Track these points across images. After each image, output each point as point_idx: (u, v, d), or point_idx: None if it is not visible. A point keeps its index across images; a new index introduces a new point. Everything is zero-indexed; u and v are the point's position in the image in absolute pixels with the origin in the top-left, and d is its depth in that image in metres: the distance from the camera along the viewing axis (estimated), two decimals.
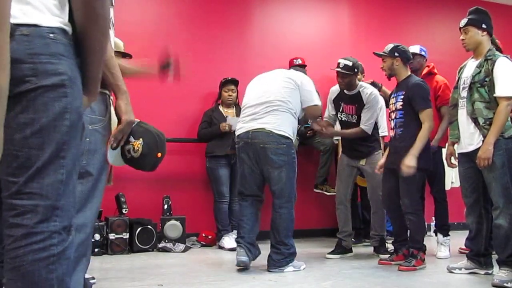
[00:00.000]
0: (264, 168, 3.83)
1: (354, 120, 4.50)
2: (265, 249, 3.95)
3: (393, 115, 4.12)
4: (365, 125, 4.41)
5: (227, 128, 5.01)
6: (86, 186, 1.82)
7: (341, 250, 4.56)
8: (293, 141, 3.94)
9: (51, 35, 1.32)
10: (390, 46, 4.15)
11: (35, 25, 1.31)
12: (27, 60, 1.28)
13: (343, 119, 4.60)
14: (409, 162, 3.87)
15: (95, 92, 1.53)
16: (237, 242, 3.90)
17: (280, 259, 3.81)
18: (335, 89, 4.68)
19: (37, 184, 1.29)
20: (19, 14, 1.30)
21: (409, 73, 4.17)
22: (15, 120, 1.27)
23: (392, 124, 4.13)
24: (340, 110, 4.59)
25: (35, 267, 1.27)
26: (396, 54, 4.09)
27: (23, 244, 1.27)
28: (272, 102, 3.84)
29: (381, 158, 4.41)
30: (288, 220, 3.82)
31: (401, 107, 4.04)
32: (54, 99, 1.30)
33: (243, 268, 3.81)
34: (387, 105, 4.39)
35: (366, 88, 4.49)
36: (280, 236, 3.79)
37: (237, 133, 3.97)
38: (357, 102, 4.46)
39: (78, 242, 1.76)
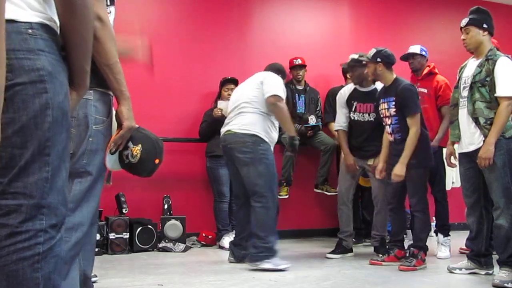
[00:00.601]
0: (237, 167, 3.99)
1: (372, 118, 4.46)
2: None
3: (388, 121, 4.12)
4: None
5: (219, 112, 4.99)
6: (84, 185, 1.81)
7: (342, 250, 4.56)
8: (269, 139, 3.98)
9: (29, 30, 1.30)
10: (373, 51, 4.15)
11: (12, 21, 1.28)
12: None
13: (356, 118, 4.54)
14: (398, 171, 3.92)
15: (83, 85, 1.49)
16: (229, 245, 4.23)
17: (255, 252, 3.85)
18: (346, 89, 4.66)
19: (21, 183, 1.27)
20: None
21: (395, 75, 4.15)
22: None
23: (389, 130, 4.13)
24: (353, 109, 4.56)
25: (19, 266, 1.25)
26: (379, 59, 4.09)
27: (7, 243, 1.25)
28: (240, 105, 4.04)
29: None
30: (262, 214, 3.86)
31: (395, 113, 4.05)
32: (34, 96, 1.27)
33: (243, 268, 3.81)
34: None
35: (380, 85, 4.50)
36: (255, 229, 3.87)
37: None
38: (375, 100, 4.40)
39: (75, 240, 1.76)
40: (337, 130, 4.77)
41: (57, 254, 1.32)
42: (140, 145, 1.94)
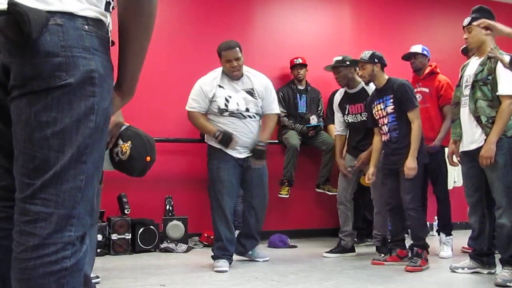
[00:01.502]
0: None
1: (364, 118, 4.49)
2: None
3: (385, 120, 4.12)
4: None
5: None
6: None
7: (340, 249, 4.57)
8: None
9: (86, 26, 1.21)
10: (368, 52, 4.17)
11: (70, 14, 1.19)
12: (60, 53, 1.17)
13: (350, 121, 4.60)
14: (411, 164, 3.90)
15: (129, 93, 1.42)
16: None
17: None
18: (338, 94, 4.75)
19: (54, 190, 1.19)
20: (53, 0, 1.18)
21: (387, 76, 4.18)
22: (36, 118, 1.17)
23: (386, 129, 4.12)
24: (346, 112, 4.60)
25: (45, 281, 1.17)
26: (376, 60, 4.12)
27: (34, 256, 1.17)
28: None
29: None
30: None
31: (392, 110, 4.05)
32: (81, 98, 1.19)
33: (245, 268, 3.81)
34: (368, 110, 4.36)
35: (370, 84, 4.51)
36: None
37: None
38: (364, 99, 4.45)
39: None
40: (335, 135, 4.88)
41: (82, 267, 1.25)
42: (129, 142, 1.92)
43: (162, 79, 5.36)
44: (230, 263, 3.94)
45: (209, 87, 4.04)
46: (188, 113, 4.11)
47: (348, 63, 4.51)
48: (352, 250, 4.62)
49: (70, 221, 1.21)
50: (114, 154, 1.93)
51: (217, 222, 3.98)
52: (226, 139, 3.94)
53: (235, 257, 4.15)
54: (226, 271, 3.80)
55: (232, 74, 4.04)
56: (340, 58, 4.57)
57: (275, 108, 4.22)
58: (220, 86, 4.04)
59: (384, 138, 4.15)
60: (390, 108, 4.06)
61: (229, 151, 3.98)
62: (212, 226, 4.06)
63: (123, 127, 1.97)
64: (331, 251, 4.57)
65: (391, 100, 4.05)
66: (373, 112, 4.21)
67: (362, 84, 4.52)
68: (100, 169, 1.32)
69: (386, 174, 4.15)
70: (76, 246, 1.23)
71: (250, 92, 4.06)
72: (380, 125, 4.18)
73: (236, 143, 3.95)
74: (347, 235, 4.59)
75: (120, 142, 1.92)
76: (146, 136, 1.98)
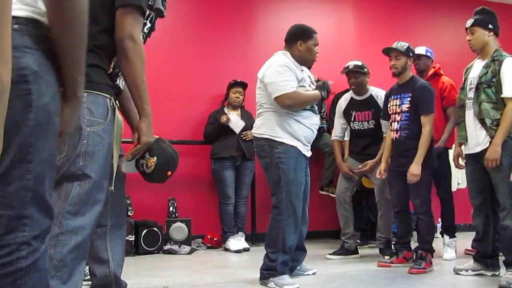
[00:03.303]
0: None
1: (372, 126, 4.48)
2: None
3: (397, 117, 4.08)
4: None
5: (224, 119, 5.03)
6: (84, 189, 1.79)
7: (343, 251, 4.56)
8: (293, 138, 3.44)
9: (15, 26, 1.18)
10: (404, 44, 4.11)
11: None
12: None
13: (356, 127, 4.59)
14: (415, 170, 3.88)
15: (74, 97, 1.35)
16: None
17: (263, 269, 3.44)
18: (343, 100, 4.70)
19: (1, 192, 1.17)
20: None
21: (411, 74, 4.16)
22: None
23: (396, 126, 4.09)
24: (352, 119, 4.58)
25: (0, 282, 1.16)
26: (411, 54, 4.10)
27: None
28: (258, 105, 3.61)
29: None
30: (272, 227, 3.40)
31: (407, 109, 4.02)
32: (15, 98, 1.15)
33: (249, 270, 3.80)
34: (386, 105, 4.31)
35: (378, 92, 4.52)
36: (265, 243, 3.48)
37: None
38: (372, 106, 4.45)
39: (75, 244, 1.75)
40: (333, 140, 4.83)
41: (41, 267, 1.23)
42: (155, 158, 2.05)
43: (164, 81, 5.37)
44: None
45: (297, 69, 3.48)
46: (287, 94, 3.35)
47: (366, 70, 4.45)
48: (355, 252, 4.61)
49: (21, 221, 1.19)
50: (139, 164, 2.07)
51: (287, 231, 3.35)
52: (327, 86, 3.54)
53: (235, 258, 4.14)
54: None
55: (314, 59, 3.62)
56: (360, 63, 4.50)
57: None
58: (302, 70, 3.57)
59: (394, 135, 4.12)
60: (405, 107, 4.03)
61: (301, 149, 3.46)
62: (271, 234, 3.41)
63: (153, 140, 2.06)
64: (334, 253, 4.56)
65: (409, 99, 4.01)
66: (388, 106, 4.18)
67: (371, 91, 4.51)
68: (52, 167, 1.28)
69: (394, 176, 4.12)
70: (33, 246, 1.20)
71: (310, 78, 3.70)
72: (391, 121, 4.15)
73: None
74: (349, 237, 4.58)
75: (147, 155, 2.05)
76: (172, 152, 2.12)
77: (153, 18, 2.14)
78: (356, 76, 4.51)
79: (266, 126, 3.46)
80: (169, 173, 2.13)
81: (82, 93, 1.39)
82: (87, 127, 1.79)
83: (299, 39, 3.55)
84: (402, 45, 4.10)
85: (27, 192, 1.19)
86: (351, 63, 4.54)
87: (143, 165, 2.07)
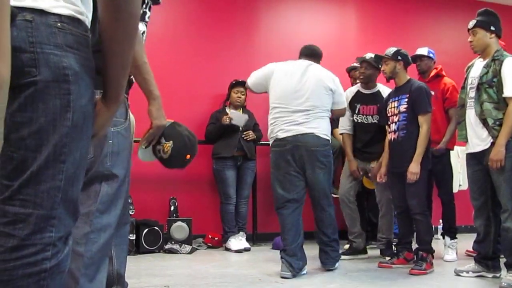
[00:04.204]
0: (309, 170, 3.80)
1: (375, 121, 4.48)
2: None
3: (395, 118, 4.10)
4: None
5: (227, 120, 5.02)
6: (113, 188, 1.82)
7: (352, 251, 4.57)
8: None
9: (59, 24, 1.17)
10: (392, 49, 4.15)
11: (41, 11, 1.16)
12: (28, 49, 1.14)
13: (359, 121, 4.57)
14: (414, 169, 3.89)
15: (115, 100, 1.35)
16: (280, 256, 3.73)
17: (335, 256, 3.96)
18: (349, 92, 4.67)
19: (31, 190, 1.16)
20: None
21: (408, 77, 4.18)
22: (11, 119, 1.15)
23: (394, 127, 4.10)
24: (356, 112, 4.58)
25: (24, 282, 1.15)
26: (399, 57, 4.11)
27: (13, 257, 1.15)
28: (313, 109, 3.83)
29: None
30: (333, 217, 3.97)
31: (405, 109, 4.03)
32: (56, 96, 1.16)
33: (249, 270, 3.80)
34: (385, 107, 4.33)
35: (385, 90, 4.53)
36: (335, 234, 3.94)
37: (281, 135, 3.82)
38: (379, 101, 4.44)
39: (103, 241, 1.77)
40: (342, 134, 4.78)
41: (63, 269, 1.22)
42: (171, 142, 2.01)
43: (166, 80, 5.36)
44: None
45: None
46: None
47: (380, 66, 4.43)
48: (364, 251, 4.60)
49: (50, 221, 1.18)
50: (156, 151, 2.02)
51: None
52: None
53: (236, 258, 4.15)
54: None
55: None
56: (373, 55, 4.50)
57: None
58: None
59: (392, 136, 4.13)
60: (403, 107, 4.04)
61: None
62: (334, 224, 3.96)
63: (167, 124, 2.03)
64: (343, 253, 4.54)
65: (406, 100, 4.04)
66: (387, 109, 4.20)
67: (378, 87, 4.51)
68: (83, 169, 1.28)
69: (393, 177, 4.13)
70: (58, 247, 1.20)
71: None
72: (389, 123, 4.16)
73: None
74: (357, 236, 4.57)
75: (163, 140, 2.01)
76: (188, 135, 2.07)
77: (150, 5, 2.10)
78: (368, 68, 4.51)
79: (327, 129, 3.91)
80: (188, 156, 2.07)
81: (123, 97, 1.39)
82: (111, 128, 1.79)
83: (320, 59, 4.17)
84: (390, 50, 4.15)
85: (58, 192, 1.19)
86: (368, 54, 4.54)
87: (159, 151, 2.02)
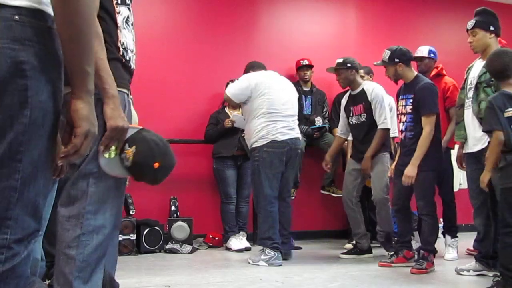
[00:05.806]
0: (290, 169, 4.37)
1: (364, 119, 4.49)
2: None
3: (403, 118, 4.07)
4: (381, 124, 4.39)
5: (230, 124, 5.02)
6: (101, 186, 1.77)
7: (355, 251, 4.59)
8: None
9: (16, 16, 1.11)
10: (387, 53, 4.07)
11: None
12: None
13: (354, 122, 4.60)
14: (409, 172, 3.85)
15: (84, 89, 1.23)
16: (272, 247, 4.18)
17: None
18: (343, 98, 4.77)
19: None
20: None
21: (415, 72, 4.12)
22: None
23: (402, 127, 4.09)
24: (350, 114, 4.61)
25: None
26: (396, 59, 4.03)
27: None
28: (296, 114, 4.48)
29: (386, 159, 4.45)
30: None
31: (410, 111, 4.00)
32: (12, 93, 1.09)
33: (250, 269, 3.80)
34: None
35: (368, 85, 4.57)
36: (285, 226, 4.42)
37: (281, 138, 4.23)
38: (363, 100, 4.49)
39: (96, 244, 1.75)
40: (336, 135, 4.93)
41: (20, 274, 1.14)
42: (134, 147, 1.75)
43: (165, 80, 5.38)
44: None
45: None
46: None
47: (349, 65, 4.49)
48: (368, 251, 4.61)
49: (4, 223, 1.11)
50: (121, 160, 1.77)
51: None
52: None
53: (237, 257, 4.15)
54: None
55: None
56: (341, 60, 4.56)
57: None
58: None
59: (400, 136, 4.13)
60: (409, 108, 4.01)
61: None
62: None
63: (134, 130, 1.81)
64: (347, 253, 4.57)
65: (411, 100, 3.99)
66: (397, 105, 4.20)
67: (362, 85, 4.54)
68: (45, 168, 1.20)
69: (397, 174, 4.10)
70: (14, 250, 1.12)
71: None
72: (398, 121, 4.15)
73: None
74: (361, 237, 4.59)
75: (126, 147, 1.76)
76: (155, 140, 1.82)
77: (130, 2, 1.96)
78: (339, 73, 4.58)
79: None
80: (157, 165, 1.78)
81: (93, 86, 1.26)
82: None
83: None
84: (385, 55, 4.09)
85: (14, 192, 1.12)
86: (337, 61, 4.60)
87: (123, 160, 1.75)
